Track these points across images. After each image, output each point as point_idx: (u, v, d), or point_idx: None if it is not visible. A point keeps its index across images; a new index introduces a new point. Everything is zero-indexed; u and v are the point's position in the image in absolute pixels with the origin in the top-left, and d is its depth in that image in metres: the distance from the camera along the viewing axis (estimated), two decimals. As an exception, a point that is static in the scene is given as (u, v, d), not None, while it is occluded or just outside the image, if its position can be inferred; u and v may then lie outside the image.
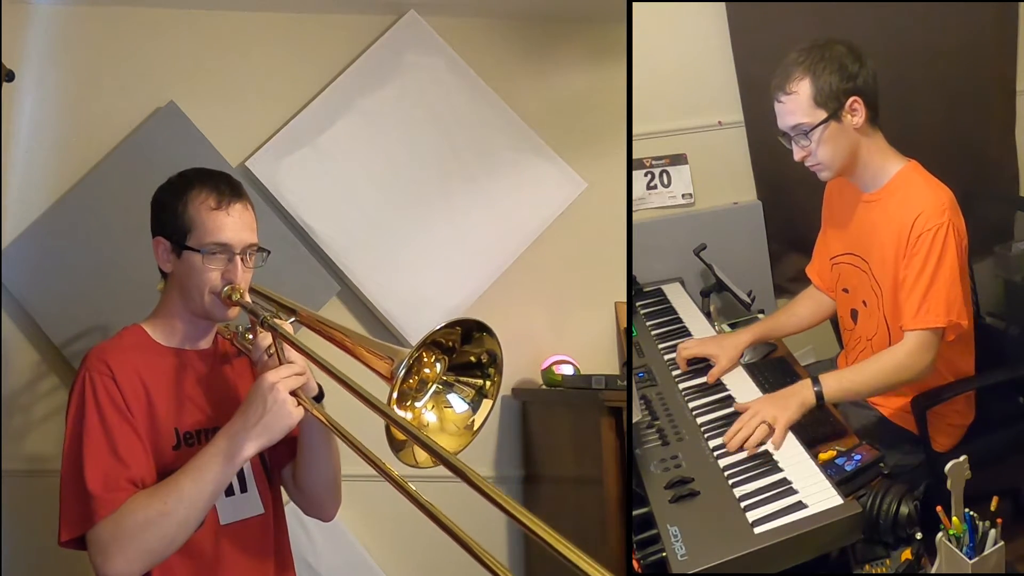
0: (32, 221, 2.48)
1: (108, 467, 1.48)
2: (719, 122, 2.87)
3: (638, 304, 2.60)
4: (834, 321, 2.27)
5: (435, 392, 1.47)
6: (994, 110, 2.95)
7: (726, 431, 1.77)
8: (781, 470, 1.63)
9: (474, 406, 1.48)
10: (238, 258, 1.62)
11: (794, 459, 1.65)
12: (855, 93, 1.82)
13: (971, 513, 1.61)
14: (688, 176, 2.88)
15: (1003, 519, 1.63)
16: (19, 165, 2.50)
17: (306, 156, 2.63)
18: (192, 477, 1.47)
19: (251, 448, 1.47)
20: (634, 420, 1.86)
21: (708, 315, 2.55)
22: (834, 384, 1.81)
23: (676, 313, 2.50)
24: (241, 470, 1.61)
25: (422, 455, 1.37)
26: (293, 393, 1.49)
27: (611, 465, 2.13)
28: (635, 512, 1.59)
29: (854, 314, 2.08)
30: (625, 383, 2.18)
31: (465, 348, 1.46)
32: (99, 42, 2.59)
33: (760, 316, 2.60)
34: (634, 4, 2.41)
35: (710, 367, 2.05)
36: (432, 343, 1.43)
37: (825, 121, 1.83)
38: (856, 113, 1.84)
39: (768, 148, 2.72)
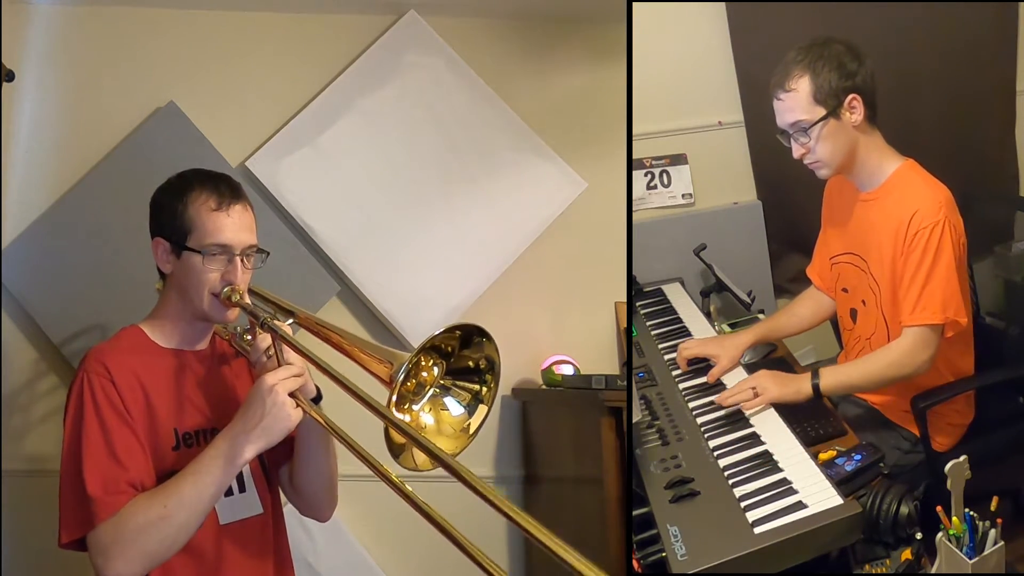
0: (32, 221, 2.48)
1: (107, 470, 1.48)
2: (719, 122, 2.87)
3: (638, 304, 2.60)
4: (834, 321, 2.28)
5: (432, 395, 1.47)
6: (994, 110, 2.96)
7: (726, 431, 1.78)
8: (781, 470, 1.63)
9: (470, 410, 1.48)
10: (238, 259, 1.62)
11: (794, 459, 1.66)
12: (854, 91, 1.83)
13: (971, 513, 1.61)
14: (688, 176, 2.88)
15: (1003, 519, 1.64)
16: (19, 165, 2.49)
17: (306, 156, 2.63)
18: (192, 480, 1.47)
19: (251, 450, 1.47)
20: (634, 420, 1.86)
21: (708, 315, 2.55)
22: (831, 377, 1.86)
23: (676, 313, 2.50)
24: (240, 470, 1.60)
25: (421, 457, 1.37)
26: (292, 395, 1.49)
27: (611, 465, 2.13)
28: (635, 512, 1.59)
29: (853, 314, 2.08)
30: (625, 383, 2.17)
31: (464, 353, 1.46)
32: (99, 42, 2.58)
33: (760, 316, 2.60)
34: (634, 4, 2.41)
35: (710, 367, 2.06)
36: (431, 347, 1.43)
37: (824, 118, 1.84)
38: (855, 111, 1.84)
39: (768, 148, 2.72)
